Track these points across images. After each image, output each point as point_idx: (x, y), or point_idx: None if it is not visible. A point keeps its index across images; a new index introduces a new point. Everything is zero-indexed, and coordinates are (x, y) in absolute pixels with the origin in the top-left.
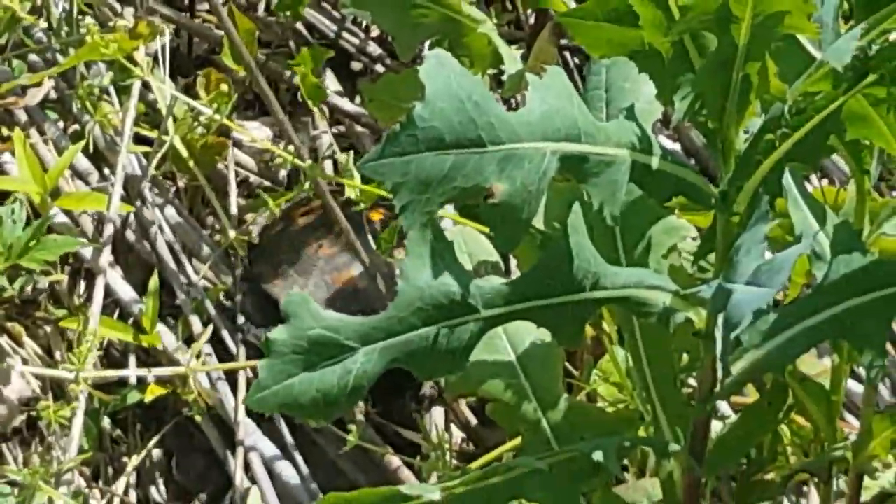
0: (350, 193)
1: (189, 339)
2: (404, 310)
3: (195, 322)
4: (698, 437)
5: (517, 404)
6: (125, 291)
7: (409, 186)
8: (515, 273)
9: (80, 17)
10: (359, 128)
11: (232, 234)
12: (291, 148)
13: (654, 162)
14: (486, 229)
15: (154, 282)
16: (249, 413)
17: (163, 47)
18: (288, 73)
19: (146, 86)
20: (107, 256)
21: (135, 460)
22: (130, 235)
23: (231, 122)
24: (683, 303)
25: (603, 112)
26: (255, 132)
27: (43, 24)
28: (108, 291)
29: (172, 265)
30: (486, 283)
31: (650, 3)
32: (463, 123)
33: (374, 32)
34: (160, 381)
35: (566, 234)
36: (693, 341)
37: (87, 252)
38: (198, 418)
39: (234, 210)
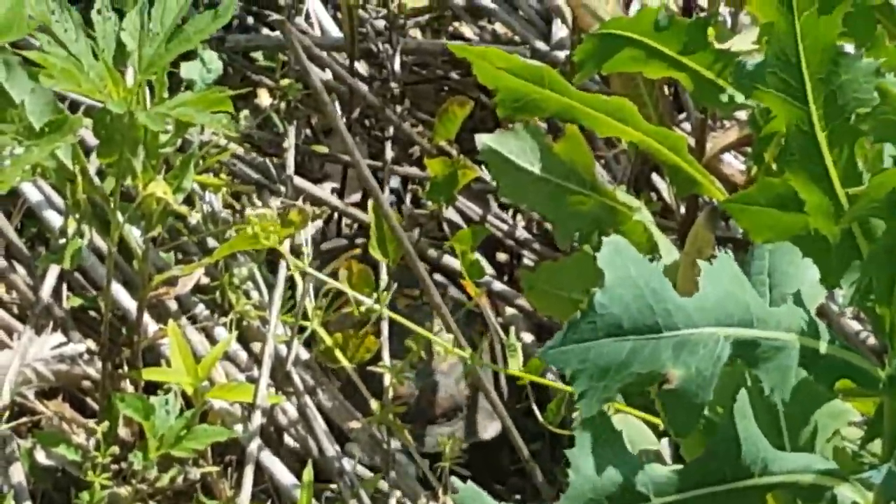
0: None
1: None
2: (575, 501)
3: None
4: None
5: None
6: (282, 475)
7: (587, 373)
8: None
9: (226, 208)
10: (510, 309)
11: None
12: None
13: (822, 347)
14: (647, 417)
15: (308, 472)
16: None
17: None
18: (434, 254)
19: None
20: (255, 445)
21: None
22: (283, 420)
23: (389, 312)
24: (851, 488)
25: (766, 297)
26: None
27: (195, 214)
28: (265, 477)
29: (328, 450)
30: (655, 471)
31: (817, 190)
32: (641, 310)
33: (522, 219)
34: None
35: (733, 420)
36: None
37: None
38: None
39: (387, 382)
